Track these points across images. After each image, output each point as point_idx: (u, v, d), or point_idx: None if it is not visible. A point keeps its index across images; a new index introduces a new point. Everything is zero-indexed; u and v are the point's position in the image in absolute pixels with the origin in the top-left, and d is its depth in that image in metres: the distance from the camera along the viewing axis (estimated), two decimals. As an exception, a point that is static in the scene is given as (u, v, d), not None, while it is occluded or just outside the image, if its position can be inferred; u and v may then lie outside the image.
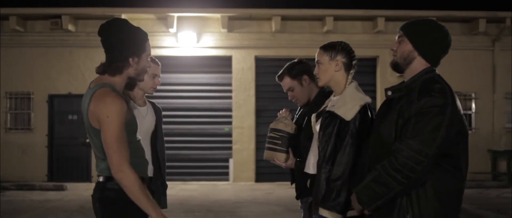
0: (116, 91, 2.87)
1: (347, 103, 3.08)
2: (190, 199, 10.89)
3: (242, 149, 13.97)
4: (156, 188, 3.89)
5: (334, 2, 14.00)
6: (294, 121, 3.73)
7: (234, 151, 14.01)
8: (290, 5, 13.99)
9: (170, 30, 13.77)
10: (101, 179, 2.93)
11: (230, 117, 14.13)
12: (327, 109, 3.18)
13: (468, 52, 14.04)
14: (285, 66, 3.84)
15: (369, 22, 14.21)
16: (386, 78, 13.74)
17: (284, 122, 3.56)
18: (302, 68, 3.77)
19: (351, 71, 3.22)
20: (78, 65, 13.79)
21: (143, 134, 3.74)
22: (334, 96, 3.27)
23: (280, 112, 3.64)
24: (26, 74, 13.78)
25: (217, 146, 14.20)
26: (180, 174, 13.77)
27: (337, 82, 3.21)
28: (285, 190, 11.92)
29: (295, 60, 3.86)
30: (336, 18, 13.84)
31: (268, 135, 3.62)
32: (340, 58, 3.19)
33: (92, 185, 3.21)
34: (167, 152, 4.10)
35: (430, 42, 2.71)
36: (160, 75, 3.93)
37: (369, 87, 13.76)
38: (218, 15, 13.78)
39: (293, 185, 3.77)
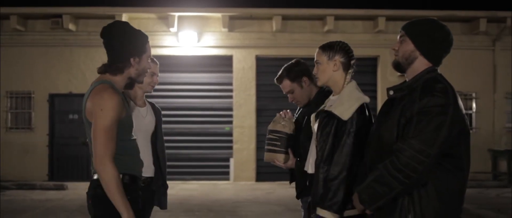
0: (115, 89, 2.94)
1: (344, 103, 3.09)
2: (190, 199, 10.89)
3: (243, 148, 13.97)
4: (157, 188, 3.90)
5: (334, 2, 14.00)
6: (294, 121, 3.73)
7: (235, 150, 14.02)
8: (291, 4, 13.99)
9: (171, 29, 13.77)
10: (95, 176, 2.98)
11: (230, 116, 14.14)
12: (325, 108, 3.20)
13: (468, 52, 14.04)
14: (283, 69, 3.82)
15: (370, 22, 14.20)
16: (386, 78, 13.74)
17: (282, 123, 3.57)
18: (300, 70, 3.76)
19: (350, 71, 3.23)
20: (79, 64, 13.80)
21: (143, 134, 3.75)
22: (333, 96, 3.29)
23: (280, 113, 3.64)
24: (27, 73, 13.78)
25: (218, 145, 14.21)
26: (180, 174, 13.78)
27: (336, 82, 3.22)
28: (286, 190, 11.92)
29: (293, 62, 3.84)
30: (337, 18, 13.84)
31: (267, 136, 3.62)
32: (339, 58, 3.20)
33: (92, 185, 3.23)
34: (167, 151, 4.11)
35: (432, 41, 2.71)
36: (158, 74, 3.96)
37: (369, 87, 13.77)
38: (218, 15, 13.79)
39: (293, 185, 3.78)
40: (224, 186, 13.14)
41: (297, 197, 3.70)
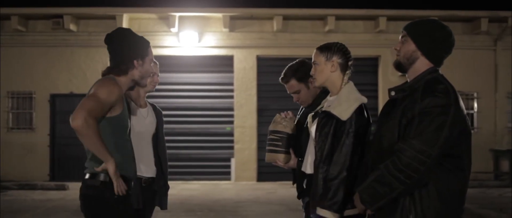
0: (117, 83, 3.05)
1: (343, 103, 3.10)
2: (191, 199, 10.89)
3: (244, 148, 13.97)
4: (158, 189, 3.90)
5: (335, 2, 13.97)
6: (296, 121, 3.71)
7: (236, 150, 14.02)
8: (292, 4, 13.98)
9: (172, 29, 13.77)
10: (86, 176, 3.10)
11: (231, 116, 14.14)
12: (323, 109, 3.20)
13: (470, 52, 14.03)
14: (288, 68, 3.78)
15: (371, 22, 14.19)
16: (387, 78, 13.73)
17: (283, 123, 3.56)
18: (307, 70, 3.72)
19: (347, 72, 3.24)
20: (80, 64, 13.79)
21: (145, 135, 3.76)
22: (330, 96, 3.29)
23: (280, 114, 3.63)
24: (28, 74, 13.79)
25: (219, 145, 14.21)
26: (181, 174, 13.77)
27: (333, 83, 3.23)
28: (287, 190, 11.91)
29: (298, 62, 3.81)
30: (338, 18, 13.83)
31: (268, 137, 3.61)
32: (336, 59, 3.21)
33: (94, 185, 3.20)
34: (168, 151, 4.11)
35: (433, 42, 2.71)
36: (159, 74, 3.98)
37: (370, 87, 13.75)
38: (219, 15, 13.79)
39: (295, 185, 3.77)
40: (225, 186, 13.14)
41: (299, 197, 3.70)
